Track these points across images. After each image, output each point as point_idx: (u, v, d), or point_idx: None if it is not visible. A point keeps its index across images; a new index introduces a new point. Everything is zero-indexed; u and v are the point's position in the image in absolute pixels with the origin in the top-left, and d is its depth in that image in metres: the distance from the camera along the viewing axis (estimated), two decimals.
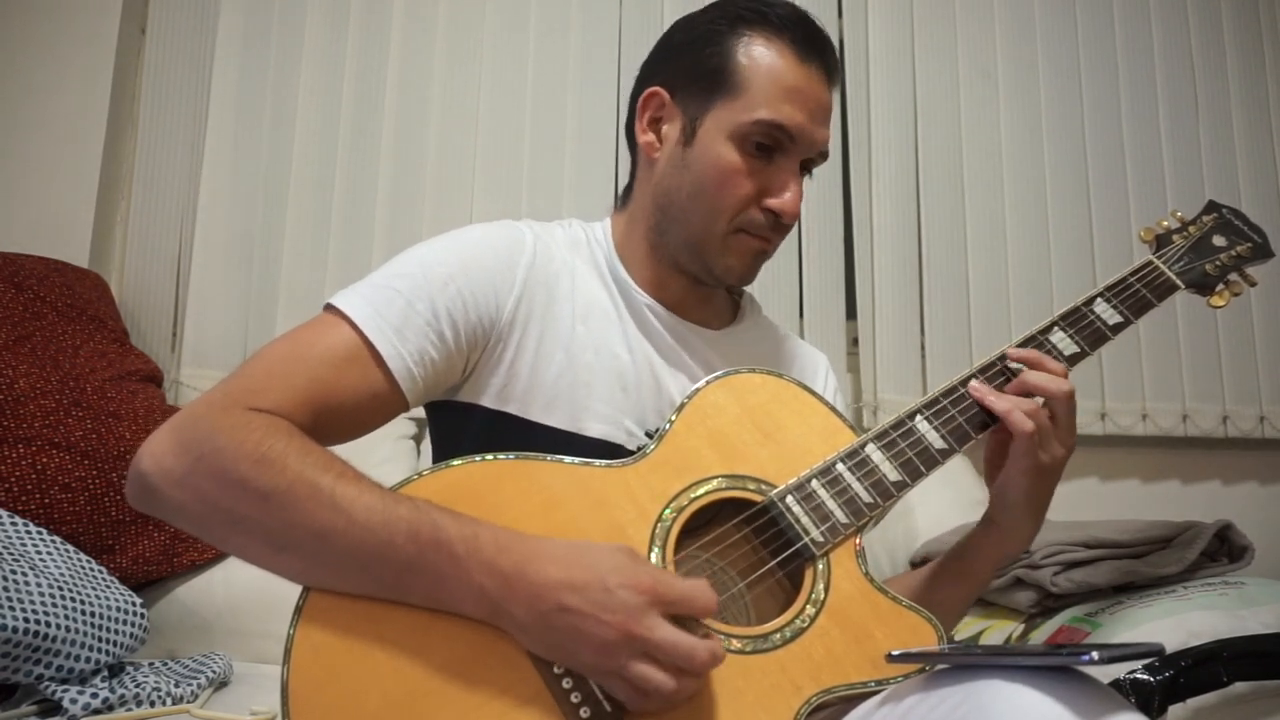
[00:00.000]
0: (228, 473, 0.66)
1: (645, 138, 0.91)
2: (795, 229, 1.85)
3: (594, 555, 0.65)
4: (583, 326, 0.87)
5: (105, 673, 1.13)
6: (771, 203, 0.85)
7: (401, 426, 1.64)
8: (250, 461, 0.66)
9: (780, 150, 0.86)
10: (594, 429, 0.84)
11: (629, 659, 0.62)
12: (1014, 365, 0.84)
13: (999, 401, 0.80)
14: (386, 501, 0.66)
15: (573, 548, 0.66)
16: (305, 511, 0.65)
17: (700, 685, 0.66)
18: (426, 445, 1.37)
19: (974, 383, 0.83)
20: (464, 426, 0.85)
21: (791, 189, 0.85)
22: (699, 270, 0.90)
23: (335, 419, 0.75)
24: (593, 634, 0.62)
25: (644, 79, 0.94)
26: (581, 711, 0.64)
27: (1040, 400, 0.81)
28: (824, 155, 0.90)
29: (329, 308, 0.79)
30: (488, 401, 0.84)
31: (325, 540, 0.65)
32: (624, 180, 1.00)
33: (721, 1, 0.90)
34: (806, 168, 0.90)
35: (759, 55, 0.85)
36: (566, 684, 0.65)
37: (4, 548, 1.15)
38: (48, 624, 1.06)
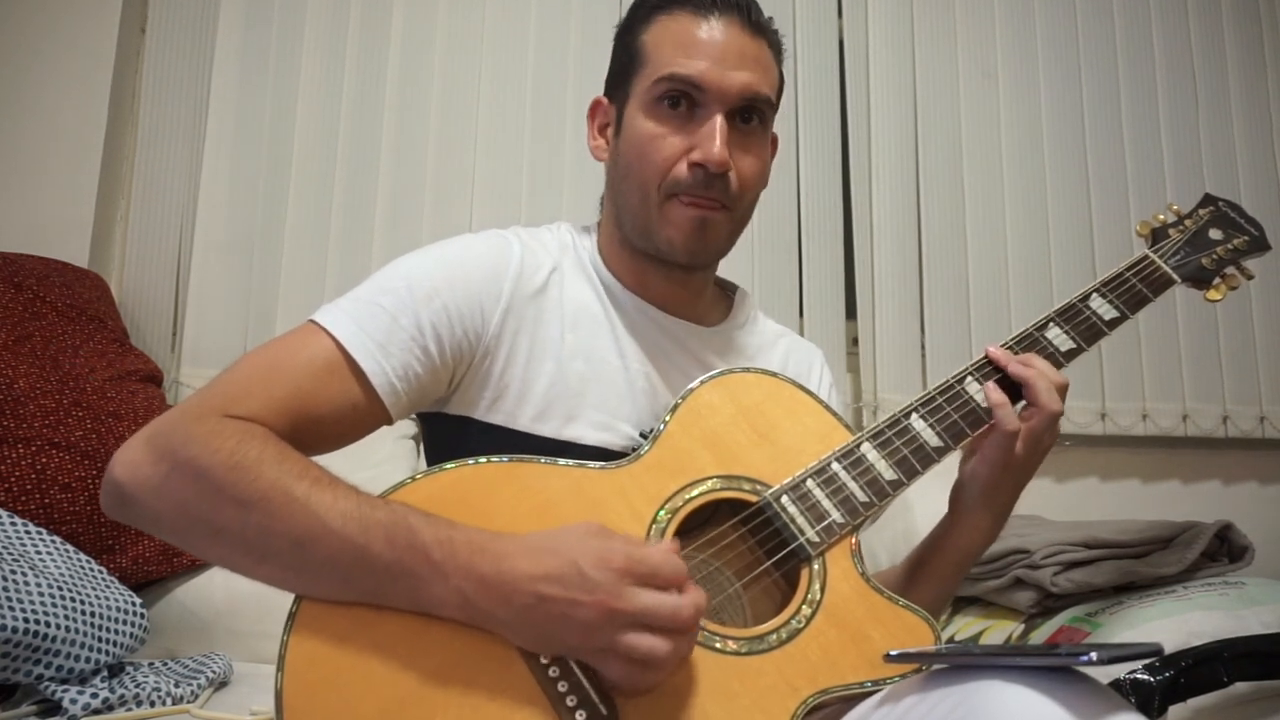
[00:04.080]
0: (202, 480, 0.65)
1: (594, 143, 0.94)
2: (795, 228, 1.88)
3: (563, 540, 0.65)
4: (572, 335, 0.86)
5: (105, 673, 1.14)
6: (694, 155, 0.82)
7: (402, 426, 1.63)
8: (224, 469, 0.65)
9: (695, 104, 0.83)
10: (589, 436, 0.84)
11: (617, 633, 0.62)
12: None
13: (994, 393, 0.82)
14: (363, 507, 0.65)
15: (542, 538, 0.66)
16: (281, 519, 0.64)
17: (693, 644, 0.66)
18: None
19: (991, 349, 0.85)
20: (457, 438, 0.84)
21: (714, 138, 0.81)
22: (651, 250, 0.88)
23: (315, 430, 0.74)
24: (575, 618, 0.62)
25: None
26: (578, 715, 0.64)
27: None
28: (765, 101, 0.85)
29: (312, 324, 0.78)
30: (479, 414, 0.84)
31: (303, 548, 0.64)
32: None
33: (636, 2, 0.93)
34: (746, 118, 0.85)
35: (660, 28, 0.87)
36: (562, 687, 0.65)
37: (4, 548, 1.15)
38: (48, 624, 1.06)
